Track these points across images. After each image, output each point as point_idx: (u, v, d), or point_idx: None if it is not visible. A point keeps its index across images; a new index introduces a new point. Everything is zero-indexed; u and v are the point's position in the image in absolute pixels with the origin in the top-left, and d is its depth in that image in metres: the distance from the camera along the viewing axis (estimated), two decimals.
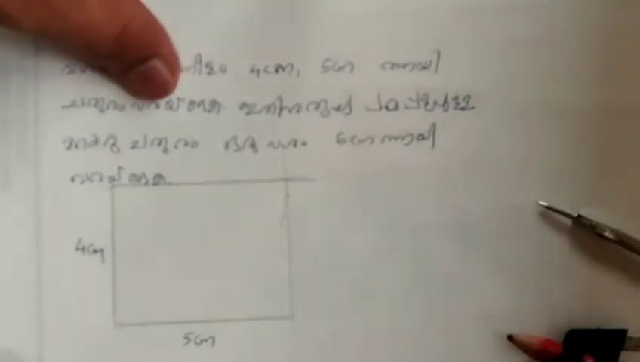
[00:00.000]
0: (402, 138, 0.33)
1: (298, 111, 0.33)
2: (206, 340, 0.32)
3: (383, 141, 0.33)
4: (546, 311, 0.33)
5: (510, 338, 0.32)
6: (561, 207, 0.32)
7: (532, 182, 0.33)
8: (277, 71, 0.33)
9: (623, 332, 0.32)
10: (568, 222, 0.33)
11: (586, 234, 0.32)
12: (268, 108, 0.33)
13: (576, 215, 0.32)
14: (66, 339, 0.32)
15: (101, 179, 0.32)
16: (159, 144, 0.33)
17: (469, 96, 0.33)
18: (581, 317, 0.33)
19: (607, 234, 0.32)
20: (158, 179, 0.33)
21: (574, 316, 0.33)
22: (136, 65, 0.30)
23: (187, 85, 0.32)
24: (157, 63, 0.30)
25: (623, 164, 0.33)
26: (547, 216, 0.33)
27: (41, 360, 0.32)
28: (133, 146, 0.33)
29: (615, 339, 0.32)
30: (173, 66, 0.31)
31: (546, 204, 0.32)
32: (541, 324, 0.32)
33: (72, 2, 0.27)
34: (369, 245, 0.33)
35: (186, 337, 0.32)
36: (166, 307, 0.32)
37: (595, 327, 0.32)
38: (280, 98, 0.33)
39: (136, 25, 0.29)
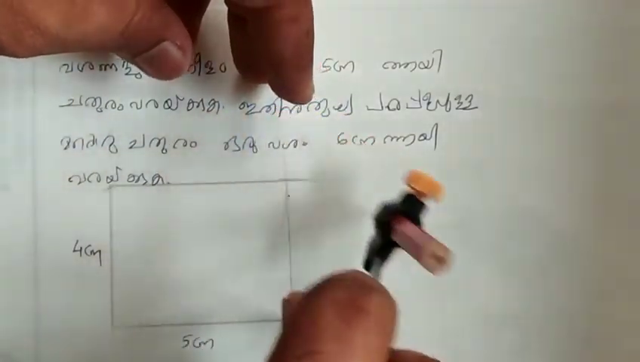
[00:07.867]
0: (404, 138, 0.33)
1: (298, 111, 0.33)
2: (205, 342, 0.32)
3: (384, 141, 0.33)
4: (546, 311, 0.33)
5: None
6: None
7: (533, 182, 0.33)
8: None
9: None
10: (568, 221, 0.33)
11: None
12: (268, 108, 0.33)
13: None
14: (64, 341, 0.32)
15: (99, 180, 0.32)
16: (158, 144, 0.32)
17: (471, 96, 0.33)
18: (581, 316, 0.33)
19: None
20: (157, 179, 0.32)
21: (574, 316, 0.33)
22: (144, 51, 0.29)
23: (186, 85, 0.32)
24: (167, 46, 0.29)
25: (623, 164, 0.33)
26: (547, 216, 0.33)
27: None
28: (132, 146, 0.32)
29: None
30: (184, 46, 0.29)
31: None
32: (541, 324, 0.33)
33: (72, 22, 0.26)
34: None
35: (184, 339, 0.32)
36: (164, 309, 0.32)
37: None
38: (280, 98, 0.32)
39: (139, 16, 0.28)
